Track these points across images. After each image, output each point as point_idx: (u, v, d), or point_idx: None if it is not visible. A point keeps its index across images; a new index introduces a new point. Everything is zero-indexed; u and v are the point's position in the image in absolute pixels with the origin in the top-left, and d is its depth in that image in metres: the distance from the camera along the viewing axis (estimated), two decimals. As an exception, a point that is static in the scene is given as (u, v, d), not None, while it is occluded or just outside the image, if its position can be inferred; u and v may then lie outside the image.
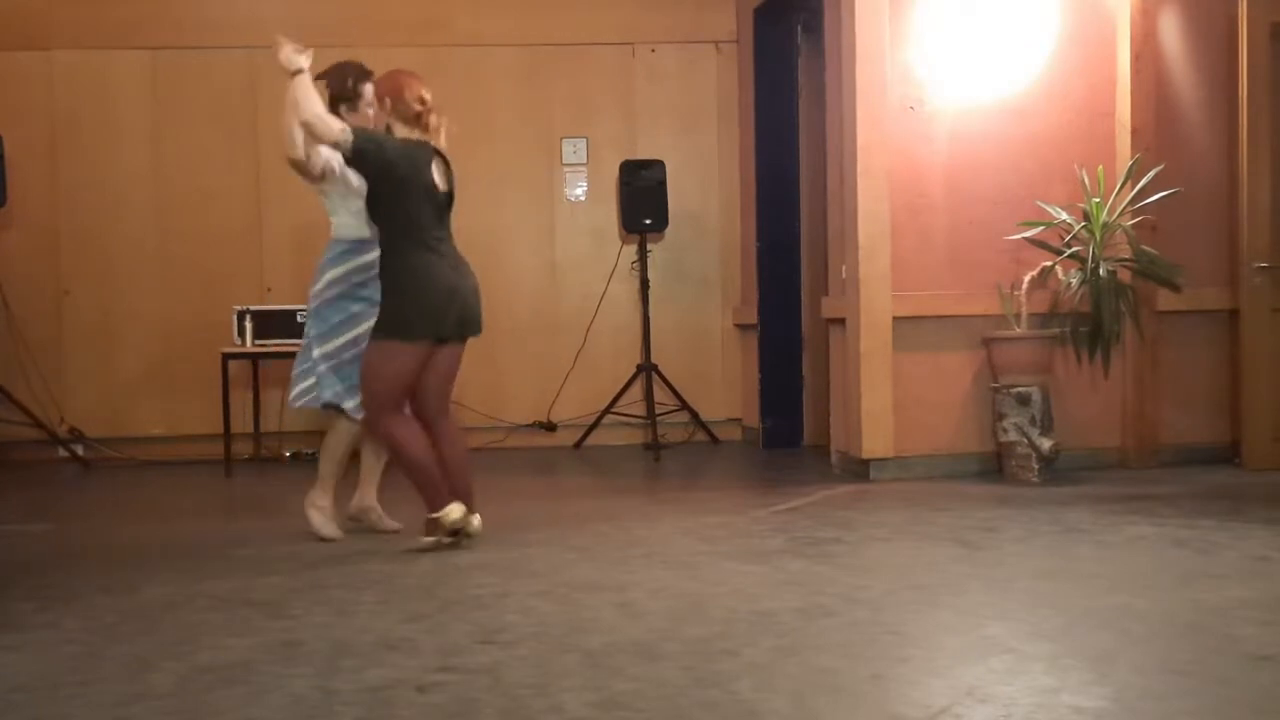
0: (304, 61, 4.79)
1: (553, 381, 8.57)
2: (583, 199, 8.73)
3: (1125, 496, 5.82)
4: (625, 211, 8.32)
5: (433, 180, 4.86)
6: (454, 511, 4.83)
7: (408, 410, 4.93)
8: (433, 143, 4.91)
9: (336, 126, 4.70)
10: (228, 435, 7.58)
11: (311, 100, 4.72)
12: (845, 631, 3.53)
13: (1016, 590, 4.02)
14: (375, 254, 4.98)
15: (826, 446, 7.29)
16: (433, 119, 4.91)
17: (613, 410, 8.39)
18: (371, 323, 4.95)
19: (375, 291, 4.97)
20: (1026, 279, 6.49)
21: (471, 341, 5.11)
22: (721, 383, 8.79)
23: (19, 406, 7.94)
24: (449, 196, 4.95)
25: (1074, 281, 6.39)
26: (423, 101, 4.90)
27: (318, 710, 2.91)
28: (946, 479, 6.47)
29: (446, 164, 4.97)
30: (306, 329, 5.22)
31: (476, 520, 4.91)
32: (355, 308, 5.13)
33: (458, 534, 4.85)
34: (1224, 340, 6.92)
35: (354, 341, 5.10)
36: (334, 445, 5.25)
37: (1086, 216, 6.45)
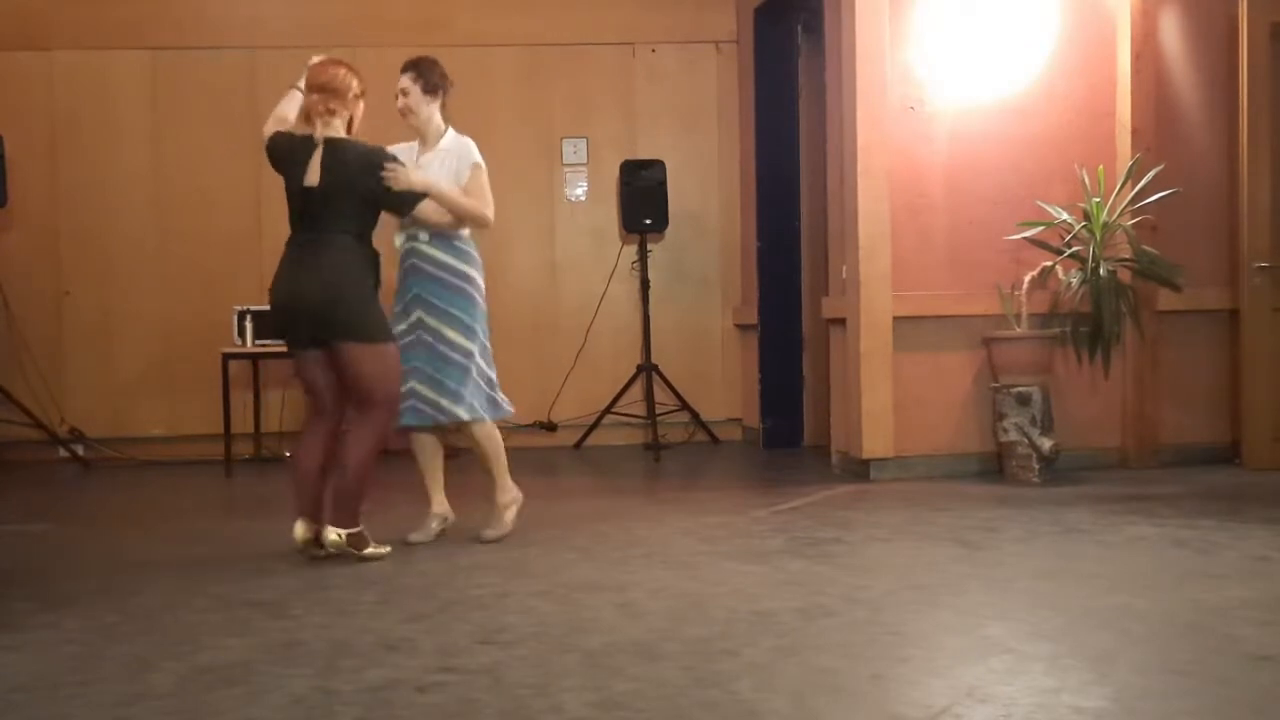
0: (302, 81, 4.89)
1: (553, 381, 8.57)
2: (583, 199, 8.73)
3: (1125, 496, 5.82)
4: (625, 211, 8.32)
5: (300, 177, 4.66)
6: (296, 530, 4.71)
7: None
8: (316, 135, 4.70)
9: (266, 131, 4.84)
10: (228, 435, 7.58)
11: (279, 106, 4.90)
12: (845, 631, 3.53)
13: (1016, 590, 4.02)
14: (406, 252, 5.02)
15: (826, 446, 7.28)
16: (308, 102, 4.77)
17: (613, 410, 8.39)
18: (405, 326, 5.01)
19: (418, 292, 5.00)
20: (1026, 279, 6.49)
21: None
22: (721, 383, 8.79)
23: (19, 406, 7.93)
24: (319, 192, 4.64)
25: (1074, 281, 6.39)
26: (313, 89, 4.77)
27: (318, 710, 2.91)
28: (946, 479, 6.47)
29: (335, 155, 4.67)
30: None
31: (330, 534, 4.62)
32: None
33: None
34: (1224, 340, 6.92)
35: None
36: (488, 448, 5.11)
37: (1087, 216, 6.45)
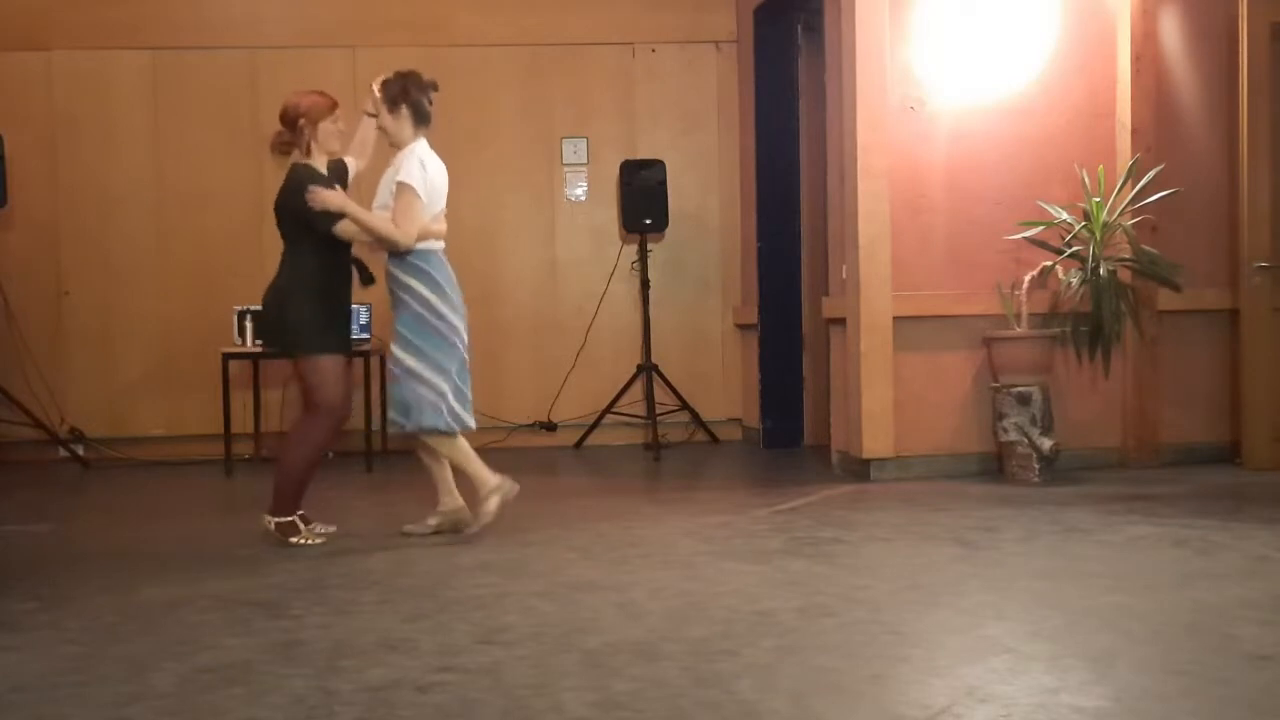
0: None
1: (553, 381, 8.57)
2: (583, 199, 8.73)
3: (1125, 496, 5.81)
4: (625, 211, 8.32)
5: None
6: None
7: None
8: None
9: None
10: (228, 435, 7.57)
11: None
12: (845, 631, 3.53)
13: (1016, 590, 4.02)
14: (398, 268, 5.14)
15: (826, 446, 7.28)
16: None
17: (613, 410, 8.38)
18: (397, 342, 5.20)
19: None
20: (1026, 279, 6.49)
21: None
22: (721, 383, 8.79)
23: (19, 406, 7.93)
24: (274, 212, 5.16)
25: (1074, 281, 6.39)
26: None
27: (318, 710, 2.91)
28: (946, 479, 6.47)
29: (285, 178, 5.15)
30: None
31: (263, 520, 5.10)
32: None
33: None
34: (1224, 340, 6.92)
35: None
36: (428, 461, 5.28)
37: (1087, 216, 6.45)
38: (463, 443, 5.16)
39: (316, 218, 4.97)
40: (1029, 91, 6.72)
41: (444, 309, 5.05)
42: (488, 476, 5.14)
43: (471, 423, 5.18)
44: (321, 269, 5.05)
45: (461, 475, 5.20)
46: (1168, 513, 5.34)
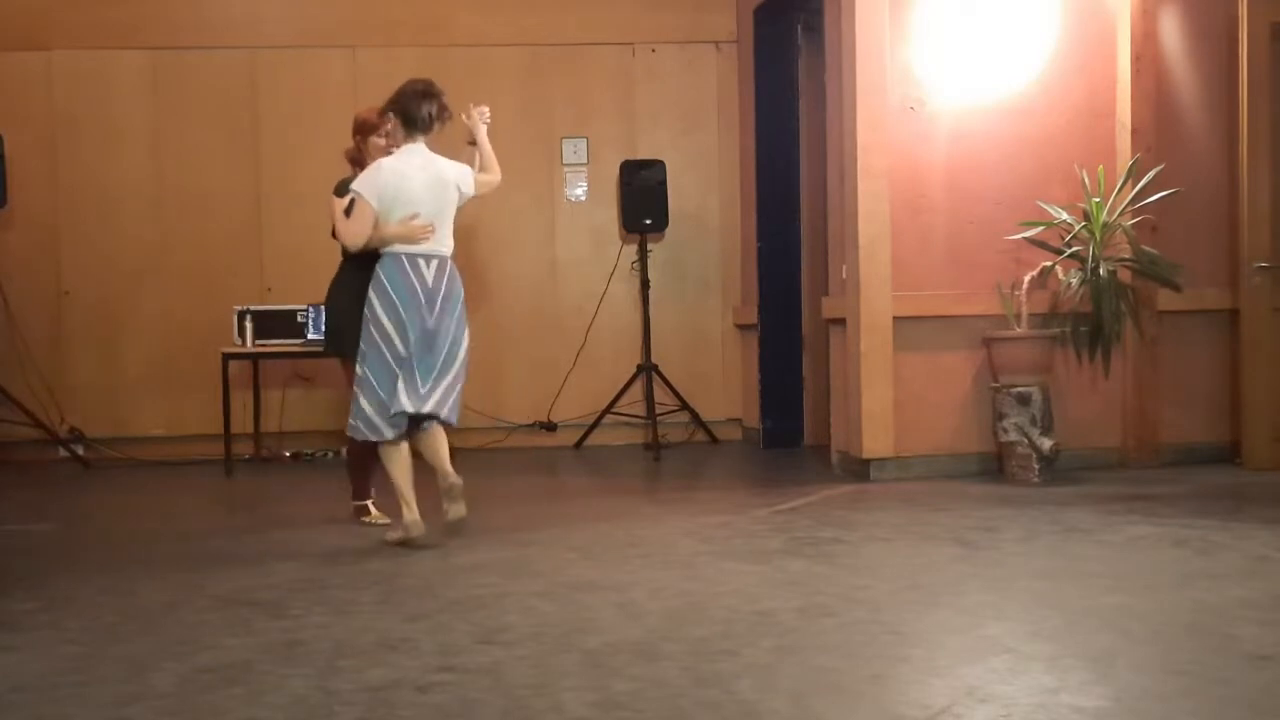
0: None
1: (553, 381, 8.57)
2: (583, 199, 8.73)
3: (1125, 496, 5.81)
4: (625, 211, 8.32)
5: None
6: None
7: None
8: None
9: None
10: (228, 435, 7.57)
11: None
12: (845, 631, 3.53)
13: (1016, 590, 4.02)
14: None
15: (826, 446, 7.28)
16: None
17: (613, 410, 8.39)
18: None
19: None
20: (1026, 279, 6.49)
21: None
22: (721, 383, 8.79)
23: (19, 406, 7.93)
24: None
25: (1074, 281, 6.39)
26: None
27: (318, 710, 2.91)
28: (946, 479, 6.47)
29: None
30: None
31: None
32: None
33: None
34: (1224, 340, 6.92)
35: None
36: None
37: (1087, 216, 6.45)
38: (401, 461, 5.03)
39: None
40: (1029, 91, 6.72)
41: (383, 316, 4.95)
42: (404, 511, 4.99)
43: (388, 434, 4.98)
44: (356, 274, 5.25)
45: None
46: (1168, 513, 5.34)
